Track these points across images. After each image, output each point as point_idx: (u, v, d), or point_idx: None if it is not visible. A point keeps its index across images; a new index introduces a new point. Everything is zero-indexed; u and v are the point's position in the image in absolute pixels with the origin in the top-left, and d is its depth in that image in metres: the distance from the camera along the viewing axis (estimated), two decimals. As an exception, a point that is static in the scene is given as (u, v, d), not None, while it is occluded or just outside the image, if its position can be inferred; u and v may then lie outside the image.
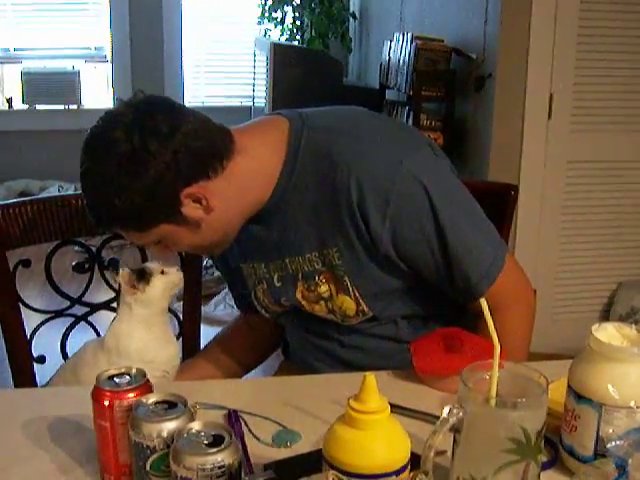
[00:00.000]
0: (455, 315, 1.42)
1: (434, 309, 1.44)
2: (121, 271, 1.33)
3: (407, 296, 1.41)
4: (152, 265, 1.36)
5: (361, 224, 1.30)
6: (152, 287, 1.33)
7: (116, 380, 0.98)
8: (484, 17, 3.16)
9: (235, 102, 5.49)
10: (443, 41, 3.51)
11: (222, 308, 3.70)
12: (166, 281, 1.35)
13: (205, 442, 0.86)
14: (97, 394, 0.97)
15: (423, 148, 1.37)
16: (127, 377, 0.99)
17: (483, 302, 0.95)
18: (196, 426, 0.88)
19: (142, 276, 1.34)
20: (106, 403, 0.96)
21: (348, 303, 1.38)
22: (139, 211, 1.23)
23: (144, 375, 0.99)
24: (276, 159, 1.33)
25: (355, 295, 1.37)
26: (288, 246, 1.39)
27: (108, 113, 1.25)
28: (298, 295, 1.42)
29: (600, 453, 1.00)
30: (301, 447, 1.09)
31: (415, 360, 1.28)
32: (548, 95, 3.05)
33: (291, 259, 1.39)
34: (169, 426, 0.90)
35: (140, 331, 1.33)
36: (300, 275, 1.40)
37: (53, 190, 5.24)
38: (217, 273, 4.06)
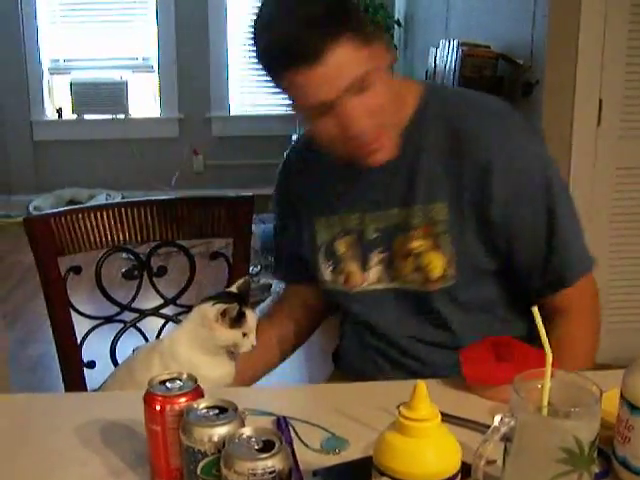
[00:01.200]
0: (516, 318, 1.44)
1: (502, 305, 1.45)
2: (225, 306, 1.28)
3: (488, 280, 1.42)
4: (251, 321, 1.31)
5: (480, 193, 1.33)
6: (224, 333, 1.29)
7: (168, 385, 0.99)
8: (531, 22, 3.13)
9: (280, 111, 5.51)
10: (489, 47, 3.49)
11: (267, 315, 3.71)
12: (236, 342, 1.30)
13: (256, 447, 0.86)
14: (149, 399, 0.98)
15: (544, 142, 1.45)
16: (179, 382, 0.99)
17: (535, 310, 0.94)
18: (247, 431, 0.88)
19: (235, 319, 1.29)
20: (158, 408, 0.97)
21: (437, 262, 1.38)
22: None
23: (195, 380, 1.00)
24: (410, 100, 1.36)
25: (448, 255, 1.38)
26: (394, 196, 1.40)
27: None
28: (395, 247, 1.42)
29: (655, 464, 0.99)
30: (350, 454, 1.08)
31: (465, 368, 1.27)
32: (597, 101, 3.02)
33: (393, 210, 1.41)
34: (220, 431, 0.90)
35: (193, 350, 1.30)
36: (401, 227, 1.40)
37: (101, 198, 5.33)
38: (262, 280, 4.09)
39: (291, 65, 1.19)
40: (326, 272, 1.48)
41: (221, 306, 1.28)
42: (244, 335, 1.30)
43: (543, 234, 1.37)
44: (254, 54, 1.27)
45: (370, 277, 1.45)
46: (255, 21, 1.26)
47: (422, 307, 1.43)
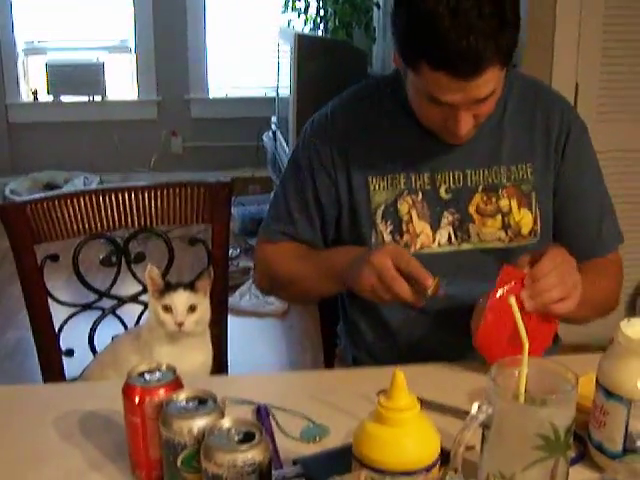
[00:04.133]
0: None
1: None
2: (149, 266, 1.32)
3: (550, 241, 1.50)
4: (174, 297, 1.31)
5: (561, 154, 1.46)
6: (152, 301, 1.31)
7: (147, 376, 0.99)
8: (509, 5, 3.13)
9: (259, 92, 5.49)
10: (467, 30, 3.47)
11: (247, 299, 3.72)
12: (158, 314, 1.31)
13: (236, 439, 0.86)
14: (128, 390, 0.98)
15: None
16: (158, 373, 0.99)
17: (512, 301, 0.95)
18: (227, 423, 0.88)
19: (162, 291, 1.31)
20: (137, 399, 0.97)
21: (527, 219, 1.45)
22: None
23: (174, 371, 1.00)
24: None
25: (536, 212, 1.45)
26: (476, 157, 1.44)
27: None
28: (471, 208, 1.44)
29: (629, 449, 1.00)
30: (329, 442, 1.09)
31: (480, 332, 1.23)
32: (574, 85, 3.02)
33: (474, 170, 1.44)
34: (200, 422, 0.90)
35: (165, 335, 1.32)
36: (480, 188, 1.44)
37: (78, 181, 5.27)
38: (242, 264, 4.08)
39: (450, 74, 1.21)
40: (385, 233, 1.45)
41: (149, 275, 1.32)
42: (165, 309, 1.30)
43: (598, 201, 1.52)
44: (402, 23, 1.25)
45: (440, 238, 1.45)
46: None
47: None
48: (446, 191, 1.44)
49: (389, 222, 1.45)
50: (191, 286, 1.32)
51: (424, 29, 1.20)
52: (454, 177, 1.44)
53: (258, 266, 1.61)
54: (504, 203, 1.44)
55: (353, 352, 1.59)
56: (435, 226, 1.45)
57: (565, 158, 1.46)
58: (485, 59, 1.19)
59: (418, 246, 1.44)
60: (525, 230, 1.45)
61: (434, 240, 1.45)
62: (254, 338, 3.48)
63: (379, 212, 1.45)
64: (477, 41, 1.17)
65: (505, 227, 1.44)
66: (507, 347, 1.19)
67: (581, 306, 1.26)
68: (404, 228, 1.44)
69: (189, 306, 1.30)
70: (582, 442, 1.07)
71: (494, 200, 1.44)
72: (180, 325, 1.29)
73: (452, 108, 1.28)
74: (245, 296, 3.74)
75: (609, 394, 1.00)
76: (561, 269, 1.22)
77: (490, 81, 1.24)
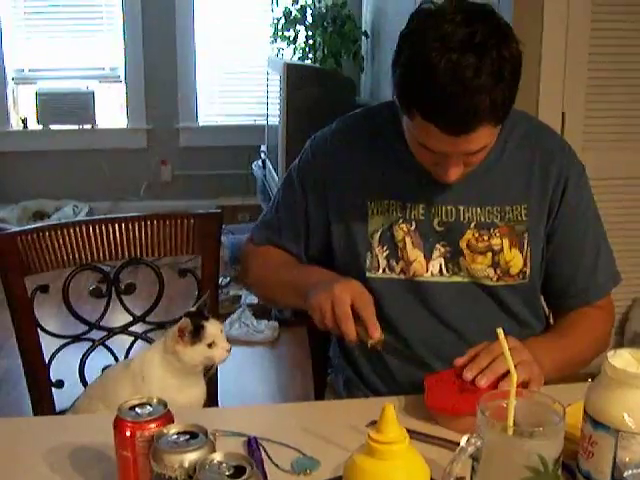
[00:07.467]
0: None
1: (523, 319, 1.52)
2: (183, 319, 1.30)
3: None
4: (212, 329, 1.31)
5: (556, 200, 1.45)
6: (188, 352, 1.29)
7: (137, 410, 0.99)
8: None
9: (249, 121, 5.51)
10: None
11: (238, 327, 3.72)
12: (206, 355, 1.30)
13: (227, 473, 0.86)
14: (119, 424, 0.98)
15: None
16: (149, 407, 1.00)
17: (499, 331, 0.96)
18: (217, 457, 0.88)
19: (195, 334, 1.29)
20: (128, 433, 0.97)
21: (517, 260, 1.45)
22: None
23: (165, 405, 1.00)
24: None
25: (527, 254, 1.45)
26: (471, 194, 1.44)
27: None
28: (462, 243, 1.44)
29: (618, 479, 1.01)
30: (320, 474, 1.09)
31: (428, 397, 1.25)
32: (560, 114, 3.06)
33: (467, 207, 1.44)
34: (190, 457, 0.90)
35: (164, 371, 1.31)
36: (473, 224, 1.44)
37: (68, 210, 5.28)
38: (232, 292, 4.08)
39: (441, 128, 1.22)
40: (380, 256, 1.47)
41: (176, 326, 1.29)
42: (210, 346, 1.30)
43: (594, 244, 1.50)
44: (402, 69, 1.26)
45: (433, 268, 1.46)
46: (422, 49, 1.22)
47: (490, 301, 1.47)
48: (439, 224, 1.45)
49: (385, 247, 1.46)
50: (207, 315, 1.33)
51: (422, 81, 1.21)
52: (447, 211, 1.45)
53: (242, 260, 1.69)
54: (496, 242, 1.44)
55: (345, 373, 1.59)
56: (428, 256, 1.46)
57: (564, 204, 1.46)
58: (478, 117, 1.21)
59: (412, 273, 1.46)
60: (514, 270, 1.45)
61: (427, 269, 1.46)
62: (244, 367, 3.47)
63: (376, 236, 1.47)
64: (472, 99, 1.18)
65: (494, 265, 1.45)
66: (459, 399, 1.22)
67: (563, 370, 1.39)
68: (401, 254, 1.46)
69: (221, 330, 1.33)
70: (571, 472, 1.08)
71: (486, 238, 1.44)
72: (229, 350, 1.31)
73: (442, 155, 1.30)
74: (235, 325, 3.73)
75: (596, 424, 1.01)
76: (488, 347, 1.25)
77: (482, 137, 1.26)
